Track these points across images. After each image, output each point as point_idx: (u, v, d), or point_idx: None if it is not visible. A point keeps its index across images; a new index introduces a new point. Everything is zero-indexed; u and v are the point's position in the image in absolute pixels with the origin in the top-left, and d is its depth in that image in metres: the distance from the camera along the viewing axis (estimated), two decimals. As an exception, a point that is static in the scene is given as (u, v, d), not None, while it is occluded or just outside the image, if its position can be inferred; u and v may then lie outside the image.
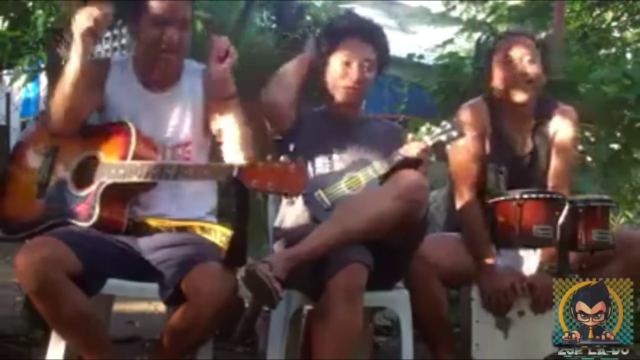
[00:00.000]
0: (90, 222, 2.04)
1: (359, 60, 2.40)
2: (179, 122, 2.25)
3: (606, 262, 2.33)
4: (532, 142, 2.64)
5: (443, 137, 2.39)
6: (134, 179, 2.06)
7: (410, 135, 2.40)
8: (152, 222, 2.16)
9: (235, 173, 1.90)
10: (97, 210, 2.04)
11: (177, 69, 2.29)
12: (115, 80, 2.26)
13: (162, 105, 2.25)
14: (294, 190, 1.91)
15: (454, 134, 2.39)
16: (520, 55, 2.57)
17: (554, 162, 2.63)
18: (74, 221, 2.07)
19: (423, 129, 4.21)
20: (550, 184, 2.58)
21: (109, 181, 2.06)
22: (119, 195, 2.09)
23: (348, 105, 2.45)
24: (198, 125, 2.27)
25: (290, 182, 1.87)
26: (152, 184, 2.14)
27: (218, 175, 2.02)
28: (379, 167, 2.34)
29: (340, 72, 2.41)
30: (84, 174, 2.12)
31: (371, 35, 2.44)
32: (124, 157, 2.09)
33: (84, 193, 2.09)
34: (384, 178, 2.24)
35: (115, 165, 2.09)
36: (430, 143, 2.35)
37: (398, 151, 2.34)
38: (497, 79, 2.61)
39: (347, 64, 2.40)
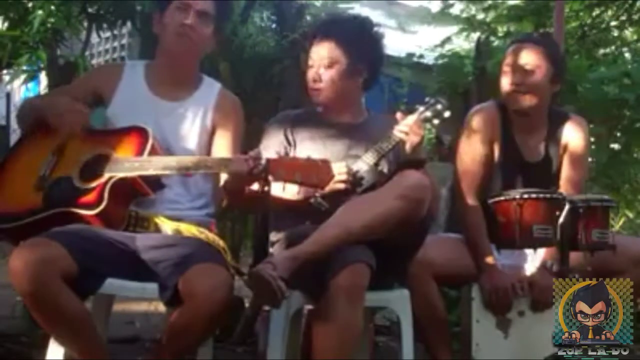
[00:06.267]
0: (97, 210, 2.04)
1: (316, 61, 2.41)
2: (186, 135, 2.28)
3: (613, 270, 2.33)
4: (545, 150, 2.64)
5: (428, 113, 2.38)
6: (150, 171, 2.08)
7: (399, 114, 2.37)
8: (151, 220, 2.16)
9: (263, 164, 1.96)
10: (105, 199, 2.05)
11: (191, 76, 2.33)
12: (127, 85, 2.31)
13: (172, 116, 2.29)
14: (321, 181, 1.98)
15: (439, 107, 2.39)
16: (524, 62, 2.56)
17: (568, 172, 2.63)
18: (78, 210, 2.06)
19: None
20: (564, 193, 2.57)
21: (120, 174, 2.08)
22: (126, 191, 2.11)
23: (322, 104, 2.45)
24: (203, 145, 2.30)
25: (317, 174, 1.95)
26: (160, 186, 2.16)
27: (243, 167, 2.02)
28: (369, 157, 2.34)
29: (307, 76, 2.43)
30: (92, 169, 2.13)
31: (333, 34, 2.41)
32: (139, 155, 2.12)
33: (91, 185, 2.10)
34: (387, 178, 2.23)
35: (130, 159, 2.11)
36: (417, 119, 2.33)
37: (387, 139, 2.33)
38: (501, 83, 2.61)
39: (310, 66, 2.42)
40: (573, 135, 2.65)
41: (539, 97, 2.58)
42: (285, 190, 2.32)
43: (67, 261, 1.88)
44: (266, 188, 2.03)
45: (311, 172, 1.96)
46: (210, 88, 2.37)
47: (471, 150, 2.62)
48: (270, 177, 2.00)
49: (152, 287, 2.01)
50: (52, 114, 2.19)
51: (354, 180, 2.25)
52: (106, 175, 2.09)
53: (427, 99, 2.43)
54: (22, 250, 1.89)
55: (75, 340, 1.98)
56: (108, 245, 2.03)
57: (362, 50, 2.43)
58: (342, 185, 2.23)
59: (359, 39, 2.43)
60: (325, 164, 1.98)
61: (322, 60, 2.40)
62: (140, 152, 2.13)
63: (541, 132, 2.65)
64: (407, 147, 2.31)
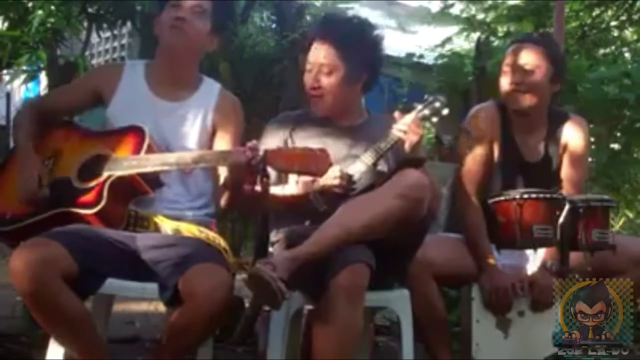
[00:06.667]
0: (96, 209, 2.04)
1: (314, 66, 2.37)
2: (186, 135, 2.28)
3: (613, 270, 2.33)
4: (545, 149, 2.64)
5: (426, 111, 2.38)
6: (149, 168, 2.09)
7: (396, 113, 2.37)
8: (151, 219, 2.16)
9: (261, 154, 1.97)
10: (104, 198, 2.05)
11: (191, 76, 2.33)
12: (127, 85, 2.30)
13: (172, 116, 2.28)
14: (319, 170, 1.98)
15: (437, 104, 2.39)
16: (523, 62, 2.57)
17: (568, 171, 2.64)
18: (77, 210, 2.06)
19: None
20: (564, 193, 2.57)
21: (119, 173, 2.08)
22: (125, 190, 2.11)
23: (322, 112, 2.42)
24: (203, 145, 2.29)
25: (315, 163, 1.95)
26: (159, 184, 2.16)
27: (241, 158, 2.02)
28: (367, 157, 2.34)
29: (305, 79, 2.40)
30: (90, 169, 2.13)
31: (331, 38, 2.37)
32: (137, 154, 2.12)
33: (90, 185, 2.10)
34: (386, 177, 2.23)
35: (128, 158, 2.11)
36: (415, 118, 2.33)
37: (385, 138, 2.33)
38: (501, 83, 2.61)
39: (309, 70, 2.39)
40: (573, 135, 2.65)
41: (538, 96, 2.58)
42: (284, 189, 2.32)
43: (67, 261, 1.88)
44: (265, 179, 2.02)
45: (309, 161, 1.95)
46: (211, 88, 2.36)
47: (471, 150, 2.62)
48: (268, 168, 2.00)
49: (152, 287, 2.01)
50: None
51: (347, 185, 2.24)
52: (105, 175, 2.09)
53: (425, 97, 2.42)
54: (22, 250, 1.89)
55: (75, 340, 1.98)
56: (108, 245, 2.03)
57: (362, 55, 2.38)
58: (335, 189, 2.23)
59: (358, 43, 2.38)
60: (323, 153, 1.98)
61: (321, 67, 2.36)
62: (137, 152, 2.13)
63: (541, 131, 2.65)
64: (406, 146, 2.31)
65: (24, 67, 3.29)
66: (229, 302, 1.91)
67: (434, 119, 2.40)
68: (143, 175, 2.12)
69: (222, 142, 2.30)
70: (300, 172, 2.04)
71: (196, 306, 1.88)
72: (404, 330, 2.27)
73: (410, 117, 2.34)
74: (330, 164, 2.01)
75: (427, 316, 2.44)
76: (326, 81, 2.37)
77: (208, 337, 2.07)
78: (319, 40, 2.38)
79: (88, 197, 2.08)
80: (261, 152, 1.99)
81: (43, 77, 3.56)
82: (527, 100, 2.57)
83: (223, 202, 2.26)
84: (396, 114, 2.36)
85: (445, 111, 2.41)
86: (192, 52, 2.31)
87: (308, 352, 2.13)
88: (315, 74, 2.38)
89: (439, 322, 2.50)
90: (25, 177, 2.17)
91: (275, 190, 2.29)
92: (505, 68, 2.60)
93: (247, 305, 3.30)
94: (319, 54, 2.37)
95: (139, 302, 3.55)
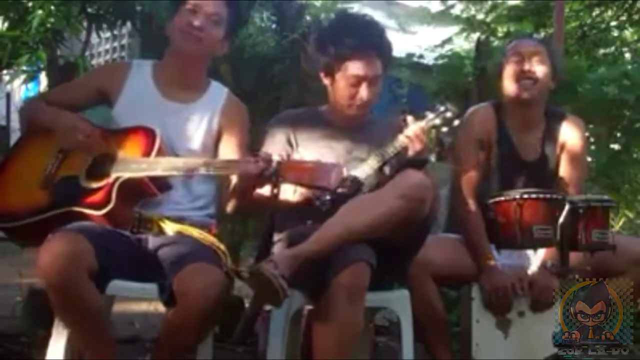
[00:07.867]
0: (105, 210, 2.04)
1: (369, 79, 2.35)
2: (191, 136, 2.28)
3: (613, 270, 2.33)
4: (541, 148, 2.65)
5: (437, 121, 2.41)
6: (159, 172, 2.09)
7: (409, 118, 2.39)
8: (154, 221, 2.16)
9: (274, 166, 1.98)
10: (113, 199, 2.04)
11: (199, 79, 2.34)
12: (134, 84, 2.30)
13: (178, 117, 2.28)
14: (328, 184, 1.98)
15: (449, 115, 2.41)
16: (530, 54, 2.60)
17: (567, 171, 2.65)
18: (84, 210, 2.06)
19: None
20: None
21: (129, 174, 2.08)
22: (134, 192, 2.11)
23: (356, 117, 2.44)
24: (207, 147, 2.29)
25: (324, 177, 1.96)
26: (167, 187, 2.16)
27: (253, 169, 2.02)
28: (373, 161, 2.35)
29: (350, 91, 2.36)
30: (99, 169, 2.13)
31: (380, 48, 2.39)
32: (147, 155, 2.12)
33: (98, 185, 2.10)
34: (388, 178, 2.23)
35: (137, 160, 2.11)
36: (425, 127, 2.36)
37: (392, 144, 2.35)
38: (506, 75, 2.62)
39: (356, 84, 2.35)
40: (570, 134, 2.66)
41: (544, 89, 2.61)
42: (295, 193, 2.32)
43: (91, 258, 1.90)
44: (275, 190, 2.03)
45: (321, 175, 1.97)
46: (219, 92, 2.36)
47: (468, 151, 2.63)
48: (280, 179, 2.01)
49: (152, 287, 2.01)
50: (59, 133, 2.19)
51: (351, 186, 2.25)
52: (113, 176, 2.09)
53: (436, 106, 2.43)
54: (51, 242, 1.89)
55: (92, 336, 1.98)
56: (126, 244, 2.06)
57: (388, 61, 2.42)
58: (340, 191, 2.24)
59: (390, 46, 2.43)
60: (335, 167, 1.99)
61: (375, 79, 2.36)
62: (147, 153, 2.12)
63: (538, 130, 2.66)
64: (410, 153, 2.34)
65: (24, 67, 3.29)
66: (221, 300, 1.91)
67: (444, 129, 2.42)
68: (152, 178, 2.11)
69: (227, 146, 2.30)
70: (311, 186, 2.05)
71: (189, 305, 1.88)
72: (404, 330, 2.27)
73: (419, 125, 2.35)
74: (343, 179, 2.03)
75: (427, 316, 2.44)
76: (373, 90, 2.37)
77: (204, 336, 2.06)
78: (369, 52, 2.35)
79: (96, 198, 2.08)
80: (274, 164, 2.00)
81: (43, 77, 3.56)
82: (535, 90, 2.58)
83: (230, 207, 2.26)
84: (409, 118, 2.38)
85: (456, 122, 2.43)
86: (203, 58, 2.32)
87: (308, 352, 2.13)
88: (369, 86, 2.35)
89: (439, 323, 2.51)
90: (70, 121, 2.17)
91: (288, 192, 2.29)
92: (513, 60, 2.61)
93: (247, 305, 3.30)
94: (372, 67, 2.35)
95: (139, 302, 3.54)
